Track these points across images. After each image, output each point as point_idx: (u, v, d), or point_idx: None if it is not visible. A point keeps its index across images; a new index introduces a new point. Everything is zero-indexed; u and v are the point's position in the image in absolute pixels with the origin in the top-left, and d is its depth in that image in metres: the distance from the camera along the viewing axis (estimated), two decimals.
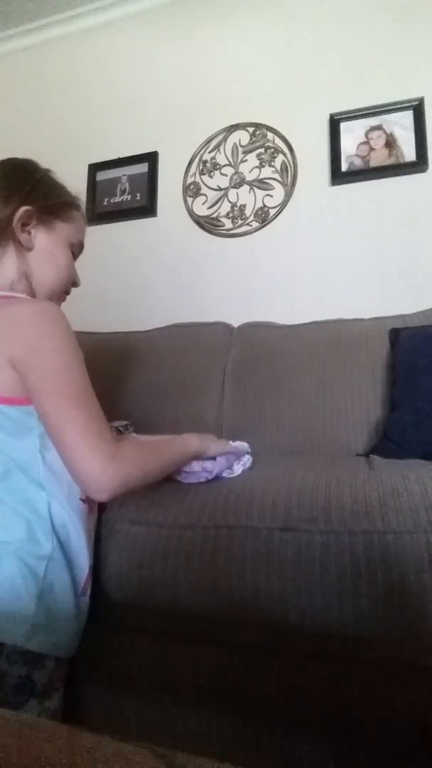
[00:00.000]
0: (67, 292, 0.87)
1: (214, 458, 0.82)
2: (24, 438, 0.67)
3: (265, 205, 1.78)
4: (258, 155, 1.82)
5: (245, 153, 1.83)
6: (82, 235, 0.86)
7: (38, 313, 0.68)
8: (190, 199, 1.88)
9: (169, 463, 0.76)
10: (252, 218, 1.79)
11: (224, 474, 0.84)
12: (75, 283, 0.87)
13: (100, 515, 0.77)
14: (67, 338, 0.67)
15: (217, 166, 1.86)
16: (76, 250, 0.85)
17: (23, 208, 0.76)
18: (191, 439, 0.81)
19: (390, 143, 1.65)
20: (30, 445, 0.67)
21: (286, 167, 1.77)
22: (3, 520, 0.65)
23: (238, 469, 0.86)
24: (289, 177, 1.77)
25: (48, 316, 0.68)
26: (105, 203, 2.00)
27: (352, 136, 1.69)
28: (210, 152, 1.88)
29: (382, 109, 1.66)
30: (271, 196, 1.78)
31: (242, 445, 0.92)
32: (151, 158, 1.95)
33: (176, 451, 0.78)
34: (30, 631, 0.61)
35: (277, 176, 1.78)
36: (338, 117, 1.71)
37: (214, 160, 1.87)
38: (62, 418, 0.63)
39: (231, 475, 0.84)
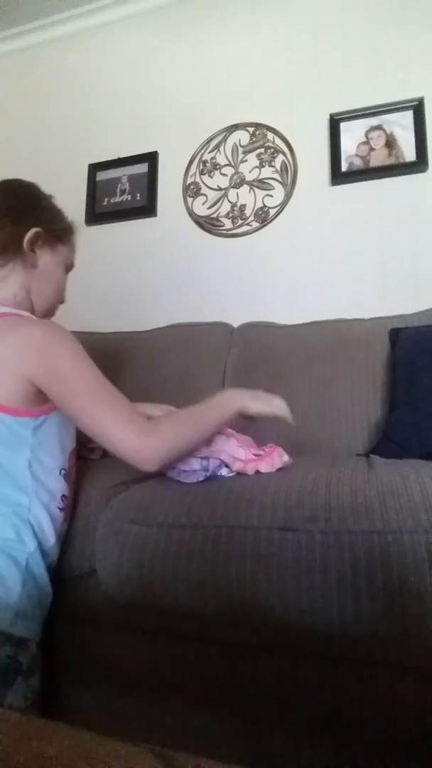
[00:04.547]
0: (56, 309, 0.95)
1: (208, 458, 0.83)
2: (17, 448, 0.73)
3: (265, 205, 1.78)
4: (258, 155, 1.82)
5: (245, 153, 1.83)
6: (74, 257, 0.94)
7: (48, 333, 0.75)
8: (190, 199, 1.88)
9: (208, 425, 0.80)
10: (252, 218, 1.79)
11: (223, 472, 0.84)
12: (62, 301, 0.94)
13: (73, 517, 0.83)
14: (75, 349, 0.75)
15: (217, 166, 1.86)
16: (69, 270, 0.93)
17: (34, 230, 0.82)
18: (230, 399, 0.84)
19: (390, 143, 1.65)
20: (22, 457, 0.73)
21: (286, 167, 1.77)
22: None
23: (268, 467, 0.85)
24: (289, 177, 1.77)
25: (57, 335, 0.75)
26: (105, 203, 2.00)
27: (352, 136, 1.69)
28: (210, 152, 1.88)
29: (382, 109, 1.66)
30: (271, 196, 1.78)
31: (247, 438, 0.92)
32: (151, 158, 1.95)
33: (215, 414, 0.81)
34: (14, 617, 0.68)
35: (277, 176, 1.78)
36: (338, 117, 1.71)
37: (214, 160, 1.87)
38: (92, 416, 0.72)
39: (230, 474, 0.84)
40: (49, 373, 0.72)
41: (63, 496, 0.78)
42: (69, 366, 0.73)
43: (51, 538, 0.74)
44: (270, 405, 0.88)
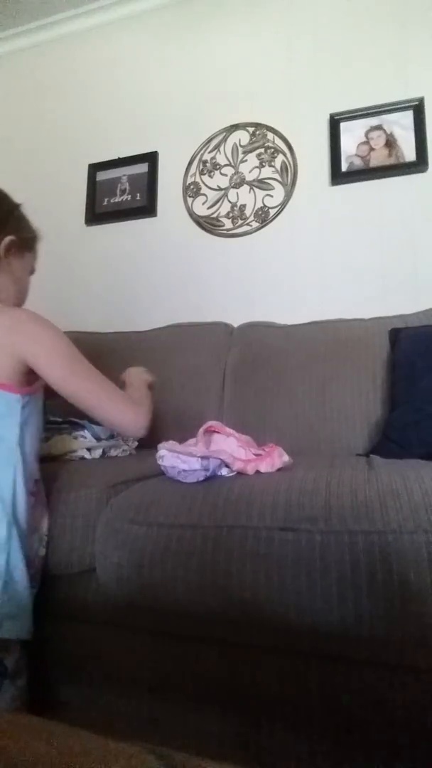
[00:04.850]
0: None
1: (208, 458, 0.83)
2: (11, 423, 0.75)
3: (265, 205, 1.78)
4: (258, 155, 1.81)
5: (245, 153, 1.83)
6: (35, 263, 0.99)
7: (36, 319, 0.80)
8: (190, 199, 1.88)
9: (149, 399, 0.96)
10: (252, 218, 1.79)
11: (223, 472, 0.84)
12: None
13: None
14: (63, 335, 0.82)
15: (217, 166, 1.86)
16: (31, 274, 0.99)
17: (9, 237, 0.87)
18: (140, 376, 1.03)
19: (390, 143, 1.65)
20: (14, 433, 0.76)
21: (286, 167, 1.77)
22: None
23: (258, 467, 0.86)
24: (289, 177, 1.76)
25: (45, 320, 0.81)
26: (105, 203, 1.99)
27: (352, 136, 1.69)
28: (210, 152, 1.88)
29: (382, 109, 1.66)
30: (271, 196, 1.78)
31: (247, 438, 0.92)
32: (151, 158, 1.95)
33: (145, 389, 0.99)
34: None
35: (277, 176, 1.78)
36: (338, 117, 1.71)
37: (214, 160, 1.87)
38: (91, 396, 0.82)
39: (230, 474, 0.84)
40: (48, 353, 0.78)
41: (35, 480, 0.81)
42: (66, 349, 0.80)
43: (25, 525, 0.75)
44: (150, 375, 1.07)
